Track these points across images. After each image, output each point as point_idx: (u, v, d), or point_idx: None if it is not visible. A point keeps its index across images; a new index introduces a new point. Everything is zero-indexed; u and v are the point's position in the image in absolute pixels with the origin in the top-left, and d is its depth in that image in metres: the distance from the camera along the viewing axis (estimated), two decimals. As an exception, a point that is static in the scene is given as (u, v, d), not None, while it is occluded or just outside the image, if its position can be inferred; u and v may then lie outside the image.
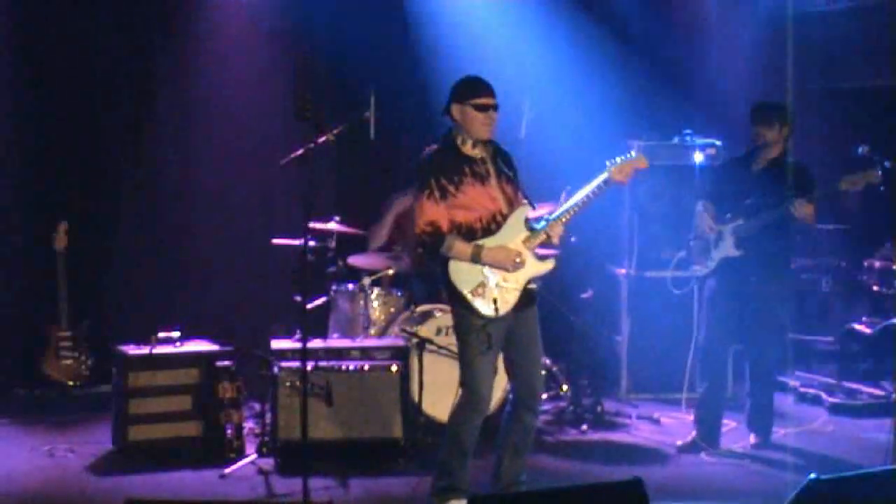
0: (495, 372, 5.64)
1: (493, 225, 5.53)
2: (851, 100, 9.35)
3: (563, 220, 5.60)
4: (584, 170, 7.56)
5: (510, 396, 5.70)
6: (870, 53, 9.07)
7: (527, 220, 5.59)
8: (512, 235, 5.54)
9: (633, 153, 5.75)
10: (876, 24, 8.90)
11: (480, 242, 5.47)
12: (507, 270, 5.46)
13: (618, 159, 5.69)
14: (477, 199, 5.52)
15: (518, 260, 5.46)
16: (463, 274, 5.47)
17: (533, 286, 5.60)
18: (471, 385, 5.51)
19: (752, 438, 6.97)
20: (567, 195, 7.66)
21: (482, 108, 5.49)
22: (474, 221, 5.51)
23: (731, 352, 7.59)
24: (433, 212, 5.45)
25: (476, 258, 5.43)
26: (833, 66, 9.39)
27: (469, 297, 5.46)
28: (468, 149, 5.56)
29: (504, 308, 5.47)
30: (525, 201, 5.66)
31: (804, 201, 6.48)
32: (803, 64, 9.40)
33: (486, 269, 5.46)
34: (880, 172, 6.35)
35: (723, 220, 6.77)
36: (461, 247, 5.44)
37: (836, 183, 6.45)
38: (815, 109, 9.32)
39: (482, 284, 5.46)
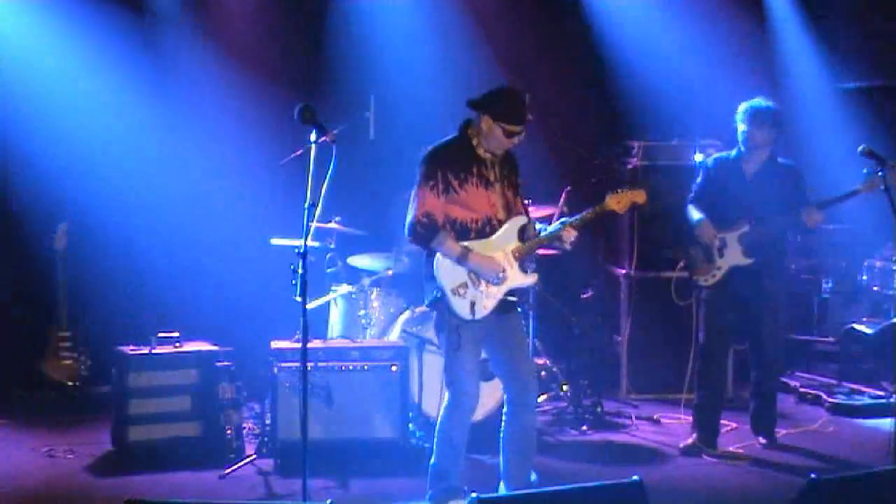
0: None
1: (487, 228, 5.54)
2: (853, 99, 9.34)
3: (576, 224, 5.58)
4: (584, 170, 7.61)
5: (506, 397, 5.68)
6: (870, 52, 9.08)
7: (520, 231, 5.59)
8: (502, 243, 5.54)
9: (632, 189, 5.80)
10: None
11: (470, 244, 5.47)
12: (488, 281, 5.48)
13: (619, 191, 5.72)
14: (477, 200, 5.52)
15: (501, 275, 5.48)
16: (448, 271, 5.48)
17: (513, 298, 5.59)
18: (455, 383, 5.53)
19: (762, 440, 6.98)
20: (567, 195, 7.70)
21: (510, 135, 5.49)
22: (470, 222, 5.52)
23: (731, 353, 7.58)
24: (432, 203, 5.47)
25: (462, 260, 5.44)
26: (835, 65, 9.38)
27: (449, 295, 5.47)
28: (481, 150, 5.57)
29: (480, 313, 5.48)
30: (521, 212, 5.65)
31: (814, 209, 6.49)
32: (804, 63, 9.40)
33: (470, 272, 5.48)
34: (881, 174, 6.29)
35: (724, 226, 6.68)
36: (450, 244, 5.45)
37: (856, 188, 6.39)
38: (816, 108, 9.32)
39: (464, 285, 5.47)
